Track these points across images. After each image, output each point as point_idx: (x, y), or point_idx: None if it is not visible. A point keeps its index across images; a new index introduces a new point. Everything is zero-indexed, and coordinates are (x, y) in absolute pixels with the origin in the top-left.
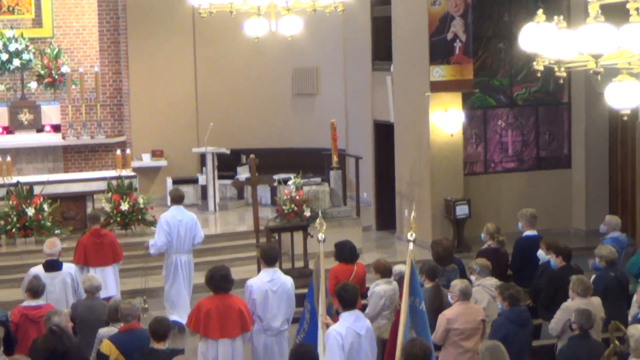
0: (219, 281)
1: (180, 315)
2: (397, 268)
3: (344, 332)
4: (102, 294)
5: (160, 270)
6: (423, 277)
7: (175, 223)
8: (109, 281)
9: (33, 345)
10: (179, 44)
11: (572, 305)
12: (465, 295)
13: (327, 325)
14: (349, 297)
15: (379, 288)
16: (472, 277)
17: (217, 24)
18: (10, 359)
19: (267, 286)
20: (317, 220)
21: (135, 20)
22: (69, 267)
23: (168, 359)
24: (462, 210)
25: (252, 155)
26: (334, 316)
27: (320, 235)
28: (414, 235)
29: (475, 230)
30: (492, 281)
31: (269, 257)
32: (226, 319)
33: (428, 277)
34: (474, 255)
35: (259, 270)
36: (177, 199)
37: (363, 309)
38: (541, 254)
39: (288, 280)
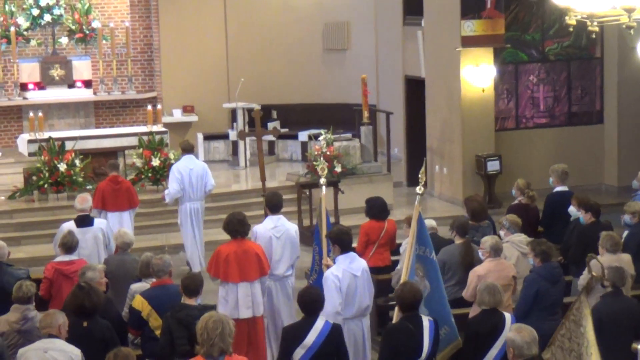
0: (236, 225)
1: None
2: (427, 223)
3: (341, 274)
4: None
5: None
6: (454, 233)
7: (186, 171)
8: (125, 225)
9: (66, 300)
10: None
11: (601, 261)
12: (496, 252)
13: (328, 267)
14: (345, 240)
15: None
16: (501, 233)
17: None
18: (44, 314)
19: (271, 233)
20: (320, 165)
21: None
22: (100, 223)
23: (199, 315)
24: (493, 166)
25: (256, 108)
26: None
27: (322, 180)
28: (422, 189)
29: (506, 186)
30: (520, 237)
31: (273, 205)
32: (244, 263)
33: (458, 233)
34: (504, 211)
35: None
36: (188, 148)
37: (394, 265)
38: (572, 210)
39: (292, 227)
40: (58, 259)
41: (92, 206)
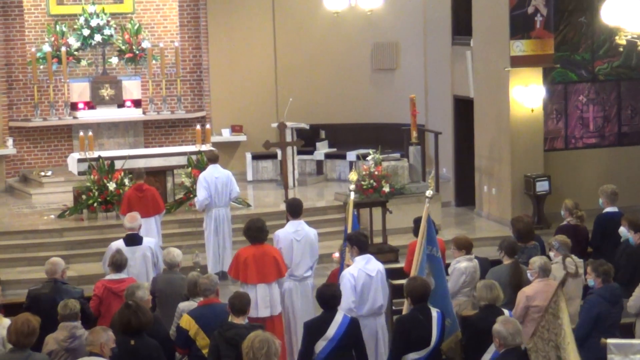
0: (255, 232)
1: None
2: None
3: (357, 273)
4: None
5: None
6: (502, 254)
7: (212, 180)
8: (150, 230)
9: (113, 318)
10: (258, 19)
11: None
12: (544, 272)
13: (348, 266)
14: (363, 243)
15: (460, 265)
16: (551, 254)
17: None
18: (89, 331)
19: (292, 236)
20: (351, 175)
21: None
22: (149, 242)
23: (247, 334)
24: (542, 186)
25: (281, 120)
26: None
27: (352, 186)
28: (431, 192)
29: (556, 207)
30: (570, 258)
31: (294, 210)
32: (262, 265)
33: (507, 253)
34: (553, 232)
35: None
36: (213, 159)
37: None
38: (623, 230)
39: (311, 232)
40: (108, 277)
41: (121, 213)
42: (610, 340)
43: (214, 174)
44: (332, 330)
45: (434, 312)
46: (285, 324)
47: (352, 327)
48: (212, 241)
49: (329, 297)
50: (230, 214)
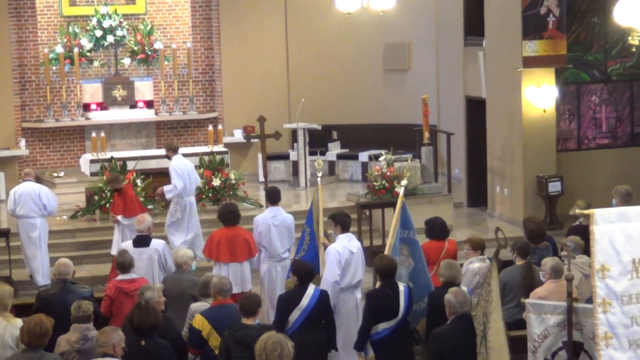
0: (228, 215)
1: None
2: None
3: (341, 249)
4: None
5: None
6: (515, 255)
7: (184, 169)
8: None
9: (125, 319)
10: (270, 20)
11: None
12: (556, 273)
13: (325, 245)
14: (346, 222)
15: (473, 265)
16: (564, 254)
17: (309, 0)
18: (99, 332)
19: (270, 221)
20: (317, 160)
21: None
22: (156, 244)
23: (258, 335)
24: (554, 187)
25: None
26: (329, 237)
27: (319, 172)
28: (405, 181)
29: (568, 207)
30: (584, 259)
31: (272, 197)
32: (234, 246)
33: (520, 254)
34: (565, 232)
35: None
36: (176, 148)
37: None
38: None
39: (288, 217)
40: (119, 277)
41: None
42: (527, 300)
43: (184, 162)
44: (305, 301)
45: (402, 287)
46: (264, 298)
47: (323, 298)
48: (182, 227)
49: (305, 271)
50: (195, 203)
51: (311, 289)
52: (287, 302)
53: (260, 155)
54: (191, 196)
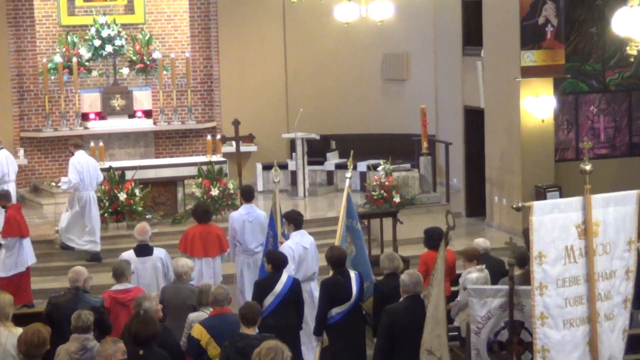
0: (201, 213)
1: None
2: (482, 243)
3: (294, 246)
4: None
5: None
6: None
7: (85, 164)
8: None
9: (123, 329)
10: (269, 30)
11: None
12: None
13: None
14: (298, 220)
15: (471, 275)
16: None
17: (307, 10)
18: (102, 342)
19: (245, 217)
20: (274, 168)
21: (225, 6)
22: (159, 252)
23: (258, 344)
24: (553, 196)
25: (235, 118)
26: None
27: (276, 178)
28: (350, 174)
29: None
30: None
31: (246, 195)
32: (207, 242)
33: (518, 264)
34: None
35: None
36: (79, 145)
37: (454, 296)
38: None
39: (261, 214)
40: (114, 287)
41: None
42: (470, 286)
43: (85, 159)
44: (278, 287)
45: (352, 274)
46: (239, 289)
47: (295, 285)
48: (71, 219)
49: (279, 259)
50: (96, 197)
51: (284, 276)
52: (263, 287)
53: (258, 166)
54: (90, 191)
